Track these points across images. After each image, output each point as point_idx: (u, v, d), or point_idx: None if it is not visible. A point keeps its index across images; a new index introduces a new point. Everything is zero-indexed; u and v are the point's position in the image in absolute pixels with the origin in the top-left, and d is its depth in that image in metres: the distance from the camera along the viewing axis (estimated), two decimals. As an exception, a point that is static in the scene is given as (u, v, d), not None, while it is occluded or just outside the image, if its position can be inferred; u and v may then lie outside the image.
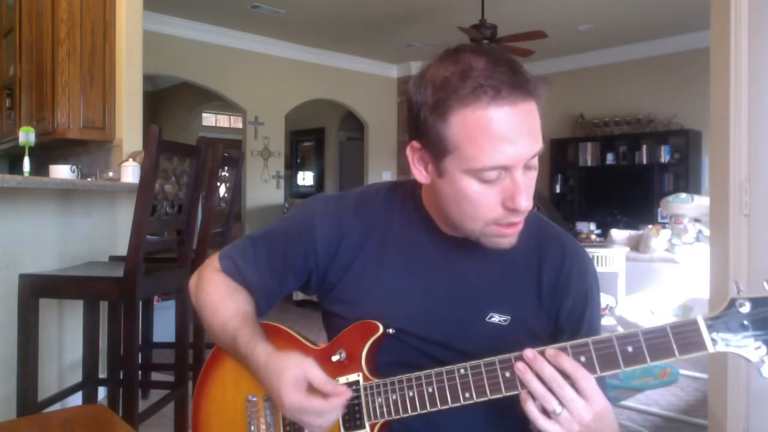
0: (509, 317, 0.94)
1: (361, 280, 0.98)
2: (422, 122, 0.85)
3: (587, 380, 0.75)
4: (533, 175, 0.86)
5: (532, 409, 0.77)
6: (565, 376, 0.76)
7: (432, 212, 0.96)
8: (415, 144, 0.89)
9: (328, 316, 1.04)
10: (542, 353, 0.78)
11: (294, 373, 0.86)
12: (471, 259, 0.95)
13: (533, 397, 0.77)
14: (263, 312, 1.04)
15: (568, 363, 0.76)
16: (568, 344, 0.78)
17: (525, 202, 0.83)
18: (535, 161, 0.84)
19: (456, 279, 0.96)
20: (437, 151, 0.85)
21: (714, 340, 0.72)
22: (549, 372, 0.76)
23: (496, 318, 0.93)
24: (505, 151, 0.80)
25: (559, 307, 0.96)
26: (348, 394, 0.88)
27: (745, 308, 0.72)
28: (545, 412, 0.77)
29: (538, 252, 0.97)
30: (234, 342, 0.96)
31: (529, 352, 0.78)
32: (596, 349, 0.77)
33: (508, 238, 0.88)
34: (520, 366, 0.78)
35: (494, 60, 0.82)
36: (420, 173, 0.90)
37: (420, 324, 0.95)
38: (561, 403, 0.76)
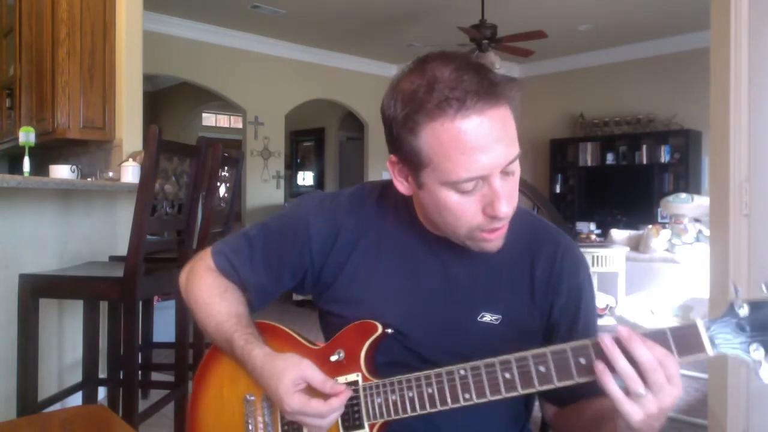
0: (500, 316, 0.94)
1: (356, 279, 0.98)
2: (395, 137, 0.85)
3: (675, 366, 0.73)
4: (513, 180, 0.85)
5: (614, 388, 0.73)
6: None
7: (419, 214, 0.97)
8: (393, 158, 0.89)
9: (324, 315, 1.04)
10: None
11: (292, 375, 0.87)
12: (462, 259, 0.95)
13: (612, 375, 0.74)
14: (255, 310, 1.04)
15: (659, 349, 0.73)
16: (568, 346, 0.78)
17: (505, 208, 0.82)
18: (514, 166, 0.84)
19: (447, 279, 0.96)
20: (413, 164, 0.85)
21: (713, 343, 0.73)
22: (647, 356, 0.72)
23: (487, 317, 0.94)
24: (478, 162, 0.79)
25: (552, 303, 0.96)
26: (348, 393, 0.88)
27: (744, 311, 0.72)
28: (626, 392, 0.73)
29: (530, 249, 0.97)
30: (230, 345, 0.96)
31: (624, 331, 0.74)
32: (596, 351, 0.76)
33: (492, 242, 0.88)
34: (607, 341, 0.74)
35: (460, 68, 0.80)
36: (402, 185, 0.91)
37: (412, 324, 0.95)
38: (648, 386, 0.72)
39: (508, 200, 0.83)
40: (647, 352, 0.72)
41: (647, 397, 0.72)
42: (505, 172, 0.83)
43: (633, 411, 0.72)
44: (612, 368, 0.73)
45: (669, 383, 0.72)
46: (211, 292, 1.01)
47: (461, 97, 0.78)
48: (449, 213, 0.85)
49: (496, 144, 0.80)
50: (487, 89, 0.79)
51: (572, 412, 0.96)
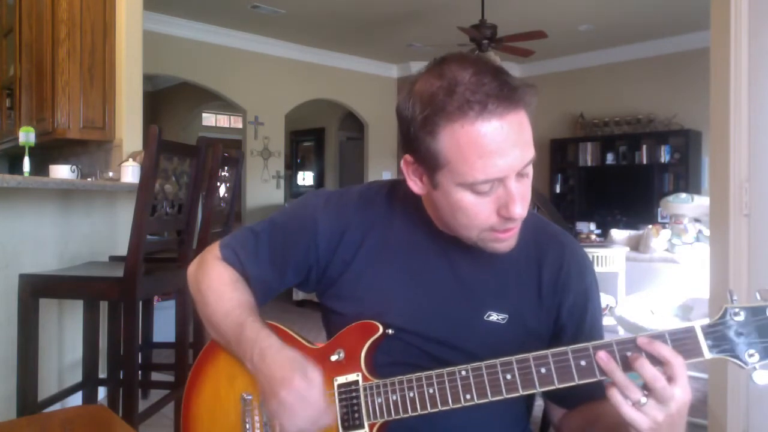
0: (507, 316, 0.94)
1: (361, 277, 0.98)
2: (413, 138, 0.86)
3: (683, 368, 0.73)
4: (527, 182, 0.86)
5: (617, 397, 0.74)
6: (661, 362, 0.73)
7: (431, 213, 0.97)
8: (408, 158, 0.90)
9: (327, 312, 1.04)
10: (634, 343, 0.75)
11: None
12: (470, 258, 0.96)
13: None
14: (259, 305, 1.04)
15: (667, 350, 0.73)
16: (569, 348, 0.78)
17: (519, 209, 0.83)
18: (528, 168, 0.85)
19: (455, 278, 0.96)
20: (429, 165, 0.86)
21: (710, 347, 0.74)
22: (648, 371, 0.73)
23: (494, 316, 0.94)
24: (496, 165, 0.80)
25: (560, 305, 0.97)
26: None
27: (740, 317, 0.74)
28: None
29: (537, 251, 0.98)
30: (240, 329, 0.94)
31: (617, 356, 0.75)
32: (596, 354, 0.77)
33: (505, 242, 0.89)
34: (602, 355, 0.76)
35: (479, 71, 0.81)
36: (416, 185, 0.91)
37: (419, 322, 0.95)
38: (652, 395, 0.73)
39: (522, 202, 0.84)
40: (648, 368, 0.73)
41: (650, 404, 0.73)
42: (520, 175, 0.84)
43: (638, 419, 0.73)
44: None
45: (675, 386, 0.73)
46: (222, 281, 1.01)
47: (482, 100, 0.79)
48: (463, 214, 0.86)
49: (513, 148, 0.81)
50: (507, 94, 0.80)
51: (580, 415, 0.96)
